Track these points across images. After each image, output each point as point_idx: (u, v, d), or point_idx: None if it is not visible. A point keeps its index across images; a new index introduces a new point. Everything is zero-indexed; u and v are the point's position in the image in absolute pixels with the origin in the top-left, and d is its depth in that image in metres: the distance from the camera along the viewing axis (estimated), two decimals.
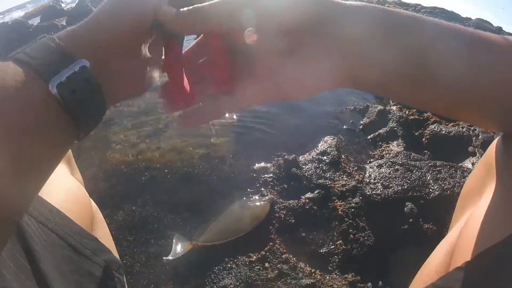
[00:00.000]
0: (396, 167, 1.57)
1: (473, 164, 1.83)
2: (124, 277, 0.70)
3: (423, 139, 1.99)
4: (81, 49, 0.37)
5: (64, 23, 3.72)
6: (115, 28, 0.39)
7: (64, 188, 0.63)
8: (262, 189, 1.60)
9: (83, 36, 0.38)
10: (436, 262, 0.59)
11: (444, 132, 1.96)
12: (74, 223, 0.57)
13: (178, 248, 1.32)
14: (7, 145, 0.31)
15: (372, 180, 1.51)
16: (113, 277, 0.63)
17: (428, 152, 1.87)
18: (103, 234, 0.71)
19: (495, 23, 5.27)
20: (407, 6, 5.09)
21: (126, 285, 0.71)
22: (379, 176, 1.52)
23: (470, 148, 1.94)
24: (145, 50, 0.44)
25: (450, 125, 2.05)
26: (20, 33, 3.51)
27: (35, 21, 4.10)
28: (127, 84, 0.43)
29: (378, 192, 1.46)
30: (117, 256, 0.70)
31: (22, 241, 0.43)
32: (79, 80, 0.35)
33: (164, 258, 1.30)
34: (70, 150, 0.74)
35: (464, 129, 2.02)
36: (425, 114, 2.14)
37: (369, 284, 1.27)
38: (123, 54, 0.41)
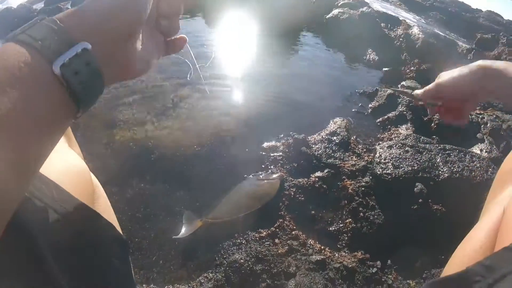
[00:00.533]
0: (406, 148, 1.56)
1: (481, 150, 1.83)
2: (129, 254, 0.67)
3: (432, 124, 1.98)
4: (82, 32, 0.38)
5: (69, 6, 3.69)
6: (118, 14, 0.40)
7: (61, 160, 0.59)
8: (272, 167, 1.60)
9: (84, 19, 0.39)
10: (479, 240, 0.58)
11: None
12: (73, 198, 0.53)
13: (188, 226, 1.32)
14: (9, 123, 0.31)
15: (382, 160, 1.51)
16: (118, 254, 0.60)
17: (437, 138, 1.87)
18: (105, 209, 0.68)
19: (506, 16, 5.21)
20: None
21: (131, 263, 0.69)
22: (389, 156, 1.52)
23: (479, 135, 1.94)
24: (145, 37, 0.47)
25: None
26: (24, 17, 3.48)
27: (39, 5, 4.06)
28: (125, 68, 0.44)
29: (389, 171, 1.46)
30: (120, 232, 0.66)
31: (14, 219, 0.38)
32: (81, 62, 0.37)
33: (173, 236, 1.29)
34: None
35: (473, 116, 2.01)
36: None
37: (378, 262, 1.28)
38: (123, 40, 0.42)
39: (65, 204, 0.50)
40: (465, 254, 0.62)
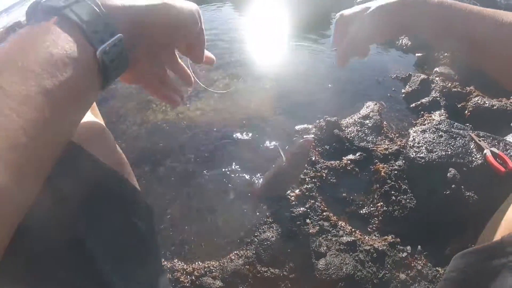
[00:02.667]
0: (440, 133, 1.54)
1: None
2: (154, 220, 0.69)
3: (466, 111, 1.94)
4: (120, 22, 0.42)
5: None
6: (155, 22, 0.47)
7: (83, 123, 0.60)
8: None
9: (125, 11, 0.43)
10: None
11: (487, 105, 1.90)
12: (99, 160, 0.54)
13: None
14: (58, 95, 0.35)
15: (416, 144, 1.49)
16: (143, 218, 0.62)
17: (470, 125, 1.83)
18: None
19: None
20: None
21: (155, 229, 0.73)
22: (423, 140, 1.50)
23: None
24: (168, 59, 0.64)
25: (494, 100, 1.98)
26: None
27: None
28: (131, 67, 0.48)
29: (422, 155, 1.44)
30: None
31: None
32: (117, 51, 0.42)
33: None
34: None
35: (508, 104, 1.96)
36: (468, 88, 2.07)
37: (408, 247, 1.27)
38: (149, 46, 0.50)
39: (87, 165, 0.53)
40: (498, 226, 0.62)
